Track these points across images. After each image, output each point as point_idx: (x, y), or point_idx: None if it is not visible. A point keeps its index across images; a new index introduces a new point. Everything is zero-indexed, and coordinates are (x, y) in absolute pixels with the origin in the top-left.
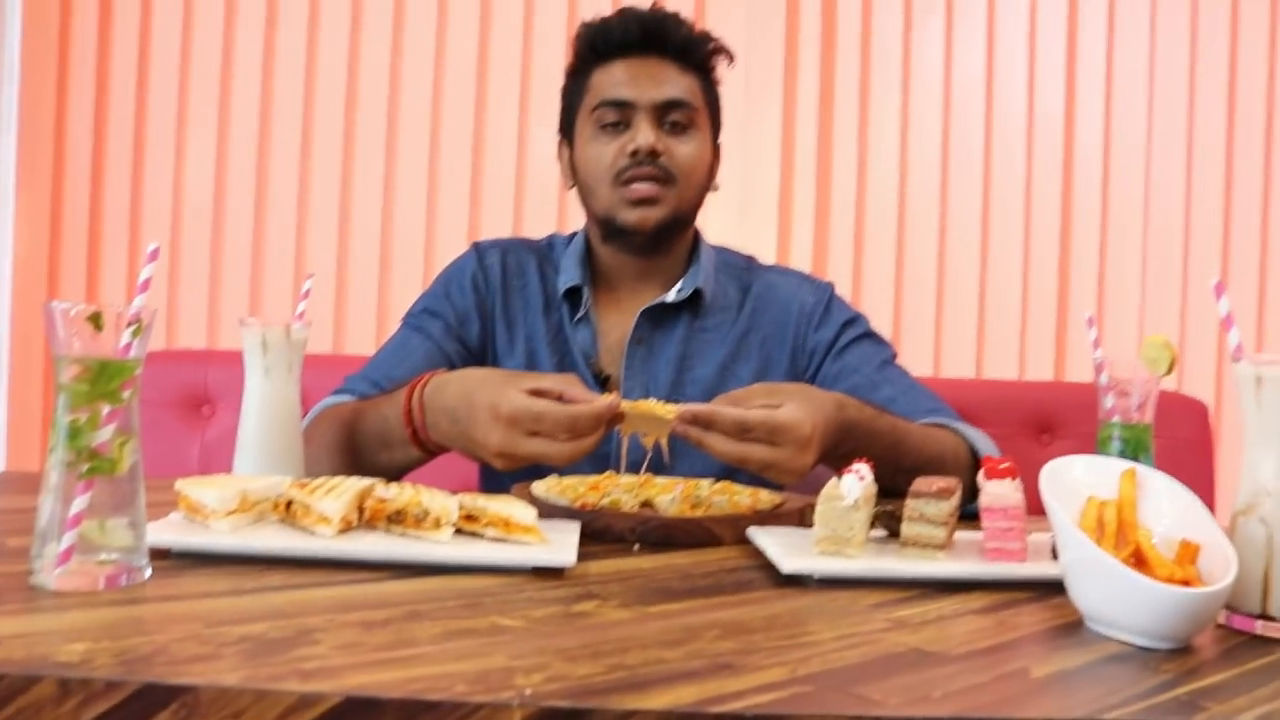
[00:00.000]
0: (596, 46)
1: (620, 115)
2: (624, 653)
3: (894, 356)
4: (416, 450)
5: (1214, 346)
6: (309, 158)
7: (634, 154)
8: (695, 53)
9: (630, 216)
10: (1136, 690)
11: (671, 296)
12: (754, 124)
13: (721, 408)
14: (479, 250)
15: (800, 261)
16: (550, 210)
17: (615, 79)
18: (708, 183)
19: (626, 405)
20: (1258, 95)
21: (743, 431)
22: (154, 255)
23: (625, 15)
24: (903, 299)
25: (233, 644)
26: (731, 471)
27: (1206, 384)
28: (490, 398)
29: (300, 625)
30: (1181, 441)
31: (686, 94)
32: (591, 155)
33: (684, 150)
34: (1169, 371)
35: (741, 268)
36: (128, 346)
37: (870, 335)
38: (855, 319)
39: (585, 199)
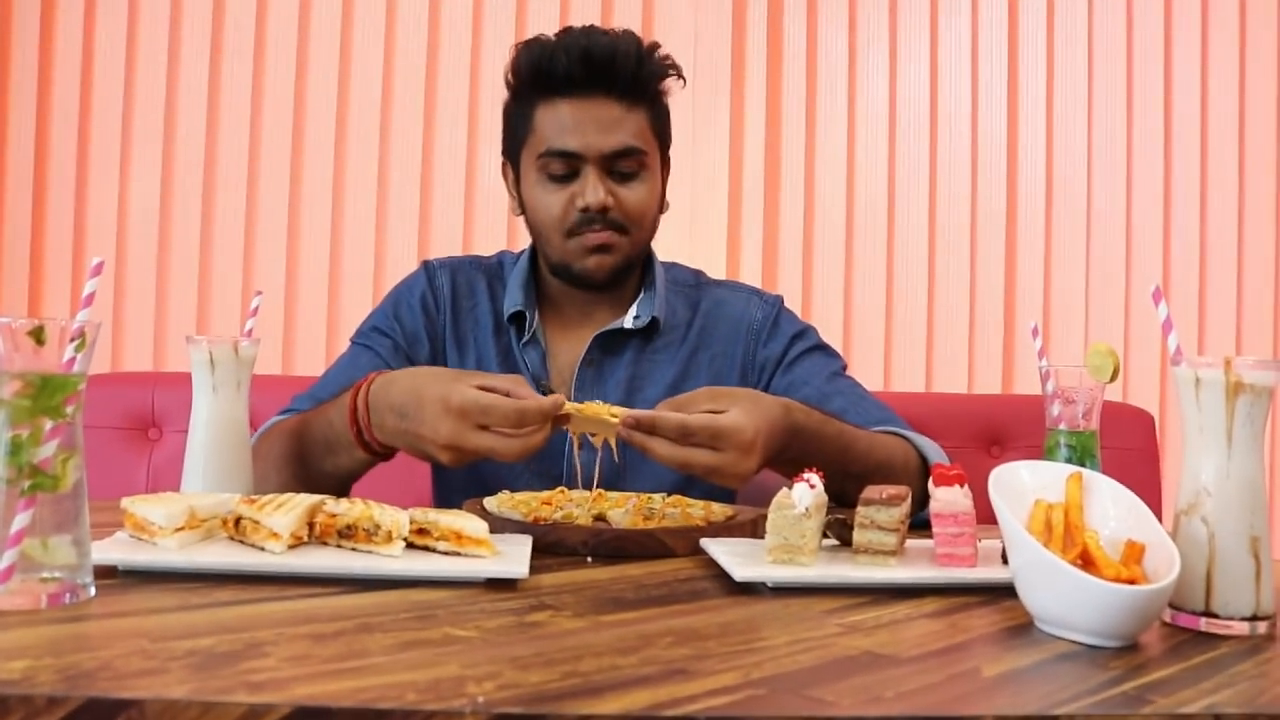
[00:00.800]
0: (539, 80)
1: (567, 166)
2: (577, 660)
3: (844, 367)
4: (362, 452)
5: (1158, 358)
6: (255, 174)
7: (584, 210)
8: (644, 87)
9: (584, 264)
10: (1086, 686)
11: (628, 324)
12: (702, 144)
13: (664, 413)
14: (429, 270)
15: (749, 279)
16: (499, 228)
17: (561, 123)
18: (660, 214)
19: (571, 407)
20: (1192, 109)
21: (685, 436)
22: (98, 269)
23: (570, 45)
24: (852, 315)
25: (180, 658)
26: (684, 485)
27: (1151, 394)
28: (440, 391)
29: (249, 639)
30: (1129, 451)
31: (635, 138)
32: (539, 202)
33: (634, 197)
34: (1114, 378)
35: (690, 284)
36: (71, 361)
37: (820, 347)
38: (804, 331)
39: (534, 237)
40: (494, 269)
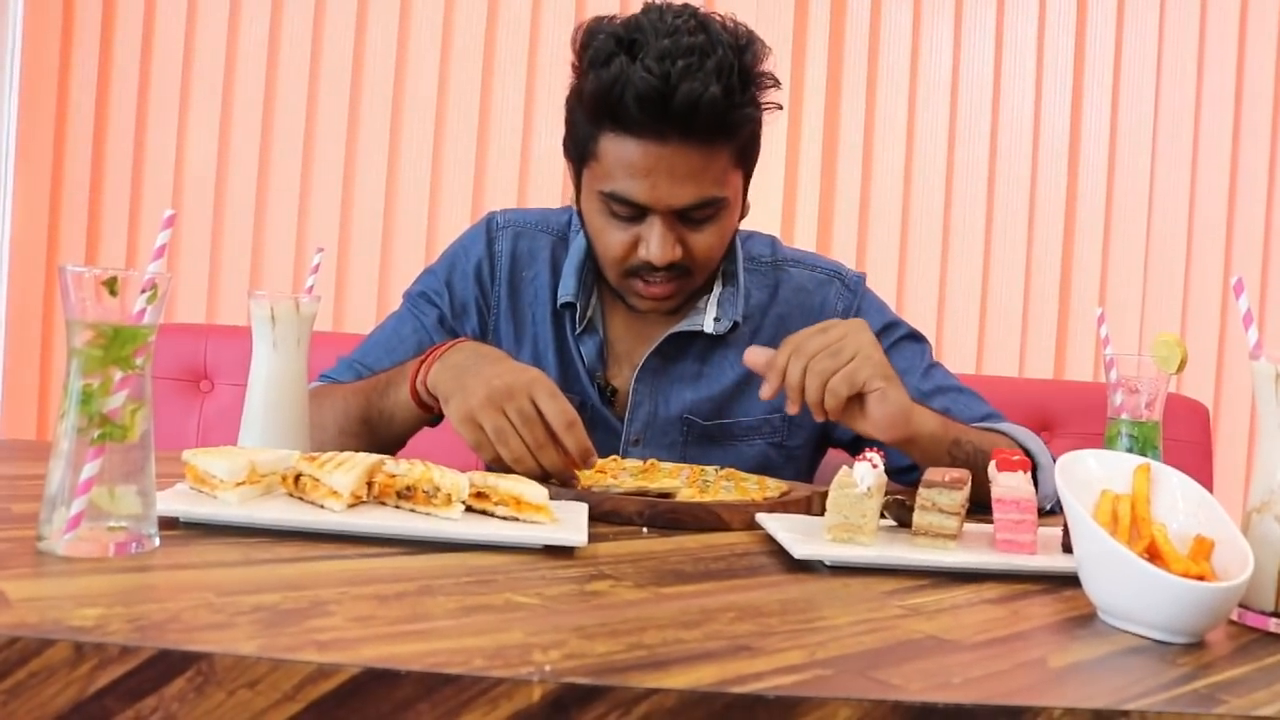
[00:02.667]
0: (605, 111)
1: (632, 210)
2: (641, 632)
3: (932, 351)
4: (409, 389)
5: (1214, 349)
6: (313, 130)
7: (646, 262)
8: (732, 130)
9: (641, 304)
10: (1157, 681)
11: (708, 327)
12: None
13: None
14: (490, 230)
15: None
16: (555, 187)
17: (628, 165)
18: (734, 234)
19: (595, 481)
20: (1264, 95)
21: (796, 348)
22: (170, 221)
23: (643, 85)
24: (905, 295)
25: (246, 613)
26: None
27: (1206, 386)
28: (528, 368)
29: (313, 597)
30: (1182, 443)
31: (714, 185)
32: (599, 235)
33: (705, 243)
34: (1180, 369)
35: (766, 262)
36: (142, 312)
37: (908, 337)
38: (891, 324)
39: (591, 248)
40: (561, 230)
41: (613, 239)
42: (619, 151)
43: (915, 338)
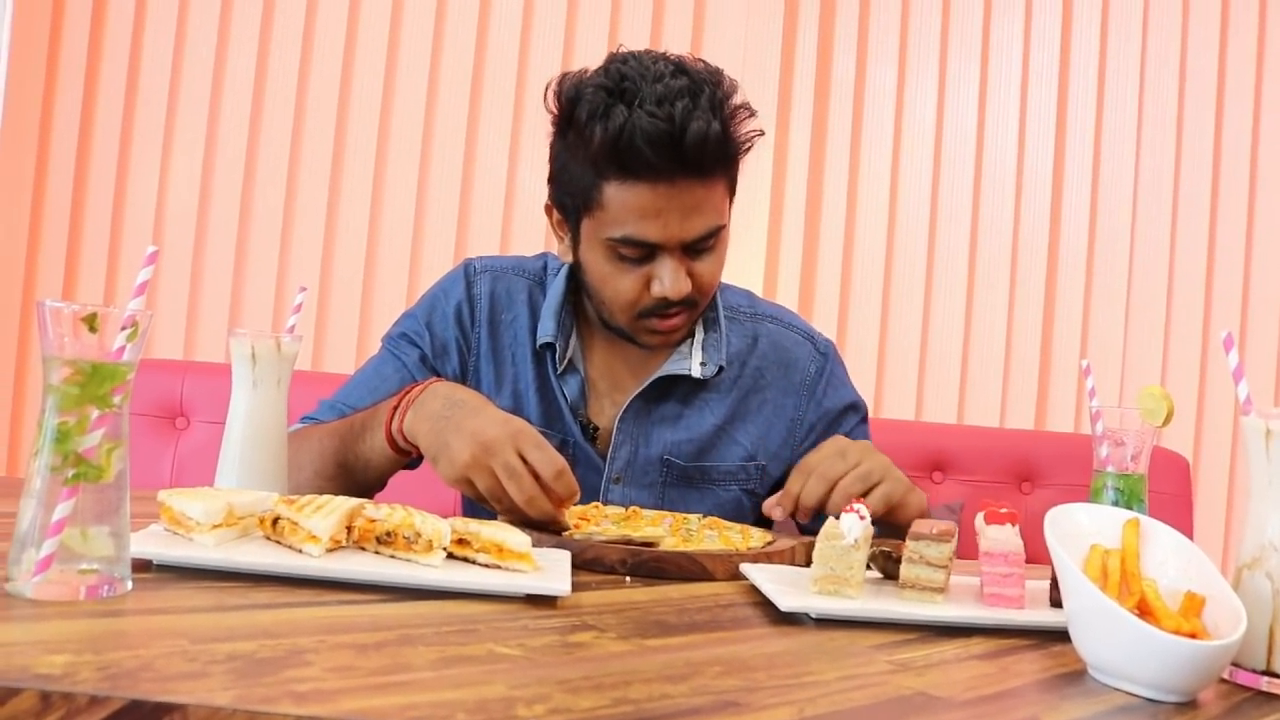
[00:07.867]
0: (615, 159)
1: (642, 251)
2: (626, 686)
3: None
4: (384, 435)
5: (1195, 402)
6: (296, 168)
7: (662, 298)
8: (730, 161)
9: (650, 341)
10: None
11: (695, 372)
12: (745, 169)
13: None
14: (468, 275)
15: (785, 305)
16: (538, 231)
17: (639, 209)
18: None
19: (582, 532)
20: (1242, 149)
21: (804, 470)
22: (153, 258)
23: (653, 131)
24: (887, 346)
25: (221, 662)
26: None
27: (1186, 439)
28: (510, 419)
29: (290, 645)
30: (1163, 496)
31: (716, 214)
32: (606, 282)
33: (710, 270)
34: (1166, 422)
35: (745, 312)
36: (121, 350)
37: (864, 422)
38: (852, 405)
39: (591, 297)
40: (538, 275)
41: (623, 283)
42: (626, 197)
43: (865, 426)
